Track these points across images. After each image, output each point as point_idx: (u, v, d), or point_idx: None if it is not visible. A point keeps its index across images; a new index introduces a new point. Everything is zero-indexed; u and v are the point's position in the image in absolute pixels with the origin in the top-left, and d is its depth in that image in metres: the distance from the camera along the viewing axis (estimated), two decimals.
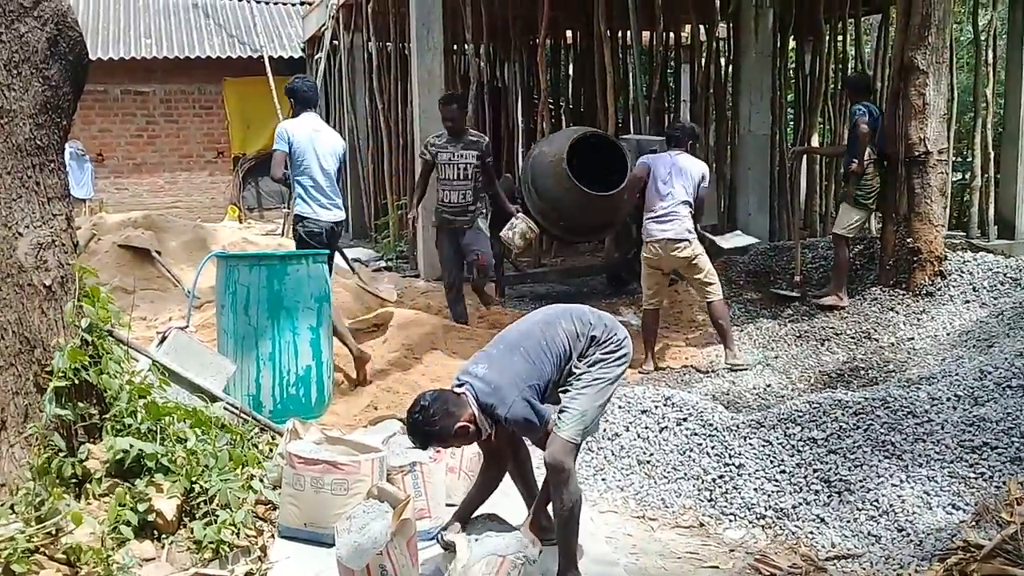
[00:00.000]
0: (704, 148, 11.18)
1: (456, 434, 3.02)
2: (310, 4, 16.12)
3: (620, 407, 4.57)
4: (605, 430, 4.45)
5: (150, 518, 3.25)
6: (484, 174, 6.73)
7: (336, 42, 13.40)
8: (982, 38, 10.76)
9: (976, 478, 3.69)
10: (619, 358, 3.23)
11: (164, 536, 3.28)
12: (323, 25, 13.51)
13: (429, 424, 2.99)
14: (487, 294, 7.42)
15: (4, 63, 3.36)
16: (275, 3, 18.39)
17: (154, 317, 7.37)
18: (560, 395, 3.19)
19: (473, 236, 6.76)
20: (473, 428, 3.02)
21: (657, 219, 6.12)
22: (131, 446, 3.35)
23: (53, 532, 3.06)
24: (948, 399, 4.21)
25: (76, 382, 3.35)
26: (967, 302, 6.29)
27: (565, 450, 3.05)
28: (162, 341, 4.50)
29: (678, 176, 6.13)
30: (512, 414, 3.00)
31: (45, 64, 3.45)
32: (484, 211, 6.97)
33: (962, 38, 13.59)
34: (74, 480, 3.35)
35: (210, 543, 3.26)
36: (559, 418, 3.09)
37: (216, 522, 3.32)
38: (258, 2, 17.39)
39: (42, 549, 3.02)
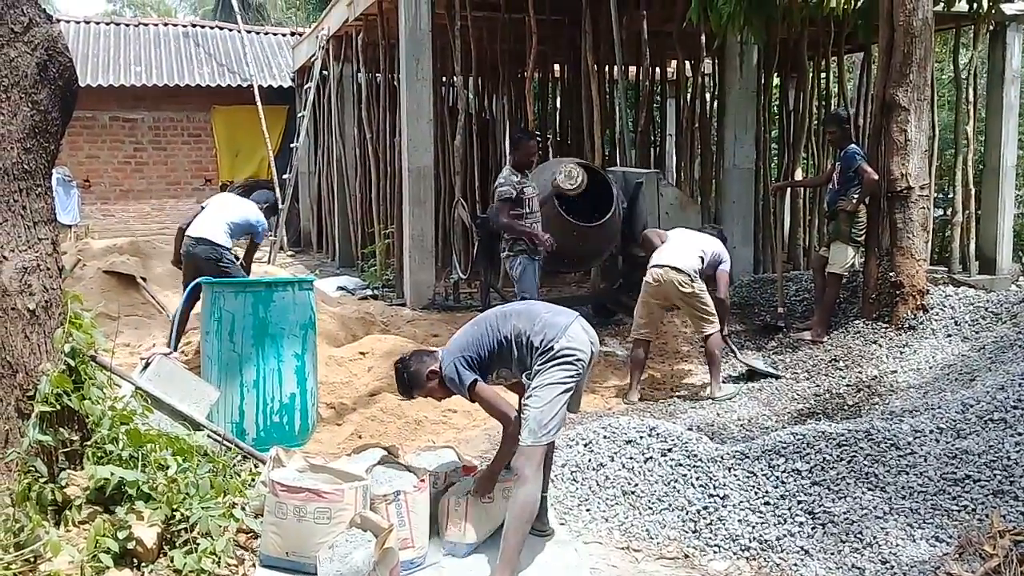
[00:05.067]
0: (689, 180, 11.30)
1: (428, 378, 3.69)
2: (300, 35, 16.26)
3: (605, 437, 4.56)
4: (590, 460, 4.45)
5: (130, 546, 3.21)
6: None
7: (325, 72, 13.48)
8: (963, 76, 10.95)
9: (959, 511, 3.71)
10: (556, 365, 3.54)
11: (144, 565, 3.23)
12: (313, 56, 13.60)
13: (406, 369, 3.73)
14: None
15: None
16: (266, 33, 18.53)
17: (138, 343, 7.33)
18: None
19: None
20: (440, 376, 3.67)
21: (667, 248, 6.33)
22: (112, 474, 3.32)
23: (32, 560, 3.02)
24: (931, 432, 4.23)
25: (58, 408, 3.33)
26: (949, 336, 6.34)
27: (523, 454, 3.48)
28: (146, 367, 4.48)
29: (699, 237, 6.52)
30: (446, 372, 3.65)
31: (34, 89, 3.46)
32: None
33: (943, 76, 13.82)
34: (54, 507, 3.31)
35: (190, 572, 3.22)
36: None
37: (197, 551, 3.28)
38: (248, 32, 17.50)
39: None
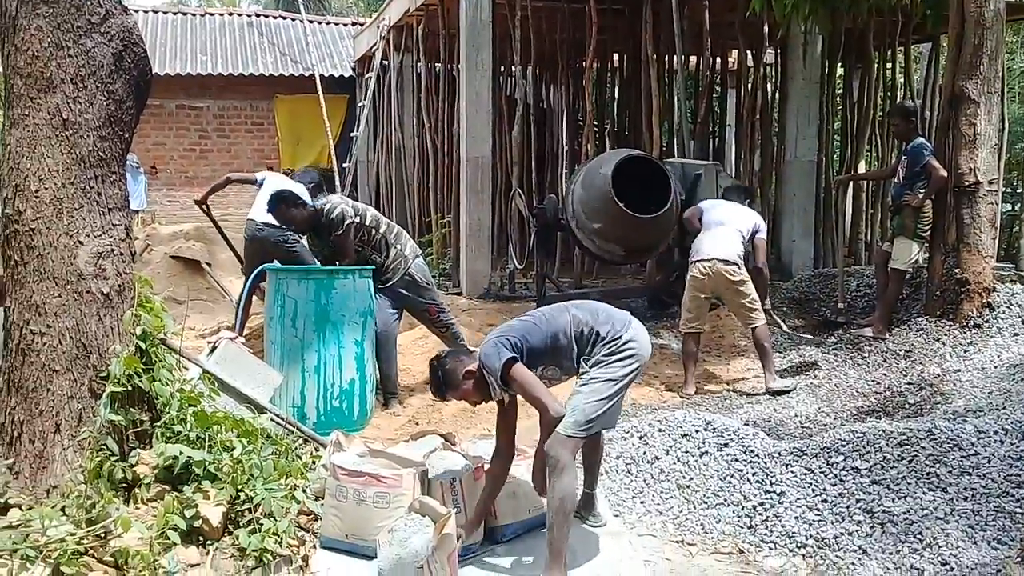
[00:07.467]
0: (749, 172, 11.16)
1: (464, 378, 3.46)
2: (362, 25, 16.41)
3: (660, 430, 4.56)
4: (644, 453, 4.45)
5: (197, 524, 3.31)
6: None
7: (386, 62, 13.59)
8: None
9: (1022, 513, 3.63)
10: (620, 360, 3.46)
11: (209, 543, 3.34)
12: (374, 45, 13.72)
13: (441, 367, 3.51)
14: None
15: (71, 77, 3.47)
16: (327, 23, 18.74)
17: (204, 327, 7.51)
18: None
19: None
20: (478, 376, 3.44)
21: (709, 238, 6.27)
22: (181, 453, 3.43)
23: (102, 535, 3.13)
24: (995, 433, 4.14)
25: (129, 389, 3.44)
26: (1016, 335, 6.17)
27: (559, 441, 3.34)
28: (212, 351, 4.60)
29: (734, 214, 6.44)
30: (484, 349, 3.46)
31: (110, 79, 3.57)
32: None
33: (1014, 68, 13.42)
34: (124, 484, 3.43)
35: (254, 551, 3.31)
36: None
37: (260, 530, 3.37)
38: (311, 22, 17.71)
39: (91, 551, 3.09)
